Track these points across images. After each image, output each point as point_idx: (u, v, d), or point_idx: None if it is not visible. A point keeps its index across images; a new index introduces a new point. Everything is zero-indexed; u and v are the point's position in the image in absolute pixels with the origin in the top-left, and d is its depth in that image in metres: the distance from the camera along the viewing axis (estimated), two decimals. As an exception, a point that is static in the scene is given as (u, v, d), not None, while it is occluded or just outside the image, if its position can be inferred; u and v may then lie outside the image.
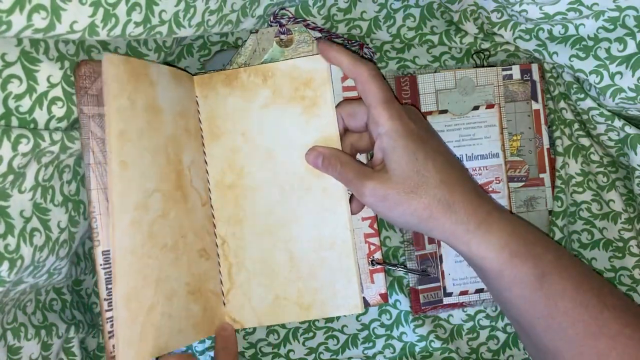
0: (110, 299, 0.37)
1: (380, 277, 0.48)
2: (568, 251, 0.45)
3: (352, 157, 0.43)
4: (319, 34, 0.48)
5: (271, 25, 0.48)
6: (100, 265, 0.37)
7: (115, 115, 0.38)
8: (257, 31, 0.47)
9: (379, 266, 0.48)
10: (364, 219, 0.48)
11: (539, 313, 0.39)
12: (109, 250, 0.38)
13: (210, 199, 0.46)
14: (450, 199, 0.39)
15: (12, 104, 0.34)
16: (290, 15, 0.48)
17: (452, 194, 0.39)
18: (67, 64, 0.37)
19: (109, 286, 0.37)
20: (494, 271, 0.39)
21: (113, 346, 0.37)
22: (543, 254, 0.39)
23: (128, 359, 0.36)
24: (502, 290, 0.40)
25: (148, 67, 0.41)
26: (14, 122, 0.34)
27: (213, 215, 0.46)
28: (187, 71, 0.46)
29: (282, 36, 0.47)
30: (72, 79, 0.37)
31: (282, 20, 0.47)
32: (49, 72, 0.35)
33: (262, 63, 0.47)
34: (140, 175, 0.39)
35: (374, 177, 0.40)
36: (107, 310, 0.37)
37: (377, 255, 0.48)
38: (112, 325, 0.37)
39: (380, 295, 0.48)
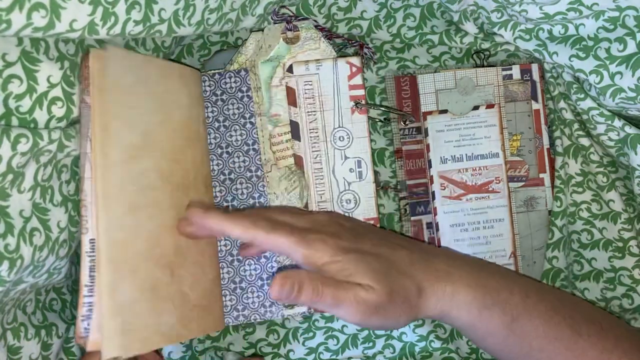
0: (92, 285, 0.38)
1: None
2: (534, 281, 0.45)
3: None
4: (319, 33, 0.48)
5: (276, 23, 0.47)
6: (87, 252, 0.38)
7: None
8: (260, 30, 0.47)
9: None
10: (365, 219, 0.48)
11: (515, 356, 0.39)
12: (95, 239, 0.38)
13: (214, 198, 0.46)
14: (417, 279, 0.38)
15: (12, 104, 0.34)
16: (291, 14, 0.48)
17: (412, 275, 0.38)
18: (67, 64, 0.37)
19: (92, 273, 0.38)
20: (466, 326, 0.40)
21: (84, 329, 0.37)
22: (509, 298, 0.39)
23: (111, 350, 0.36)
24: (478, 341, 0.41)
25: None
26: (14, 122, 0.34)
27: None
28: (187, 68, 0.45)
29: (289, 33, 0.47)
30: (72, 78, 0.37)
31: (287, 17, 0.47)
32: (49, 72, 0.35)
33: (268, 60, 0.47)
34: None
35: (354, 291, 0.36)
36: (86, 296, 0.38)
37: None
38: (88, 310, 0.38)
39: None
